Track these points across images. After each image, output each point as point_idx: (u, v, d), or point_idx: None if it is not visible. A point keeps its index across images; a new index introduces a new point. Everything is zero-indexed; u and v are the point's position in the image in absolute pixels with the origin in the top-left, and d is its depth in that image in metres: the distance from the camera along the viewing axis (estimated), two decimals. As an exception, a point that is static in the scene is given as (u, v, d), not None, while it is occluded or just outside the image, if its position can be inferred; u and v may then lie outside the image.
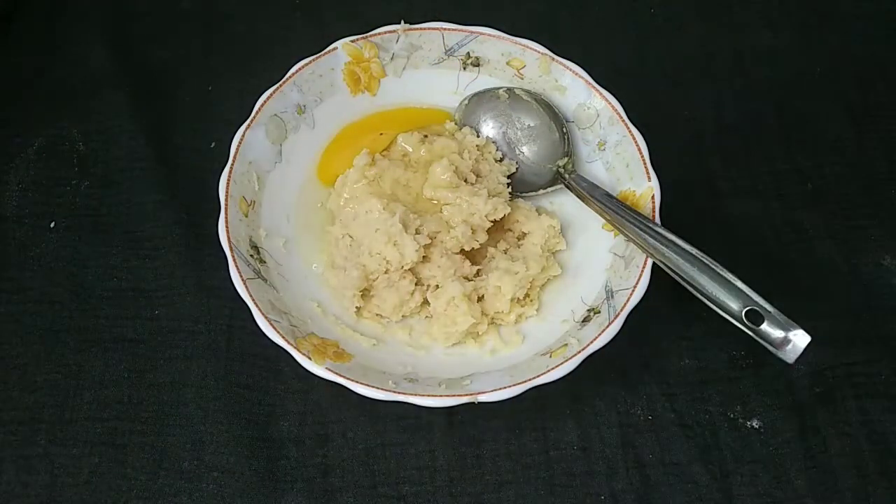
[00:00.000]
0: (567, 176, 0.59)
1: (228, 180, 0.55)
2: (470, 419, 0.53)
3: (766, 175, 0.65)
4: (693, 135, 0.67)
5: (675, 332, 0.58)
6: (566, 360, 0.50)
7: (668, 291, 0.56)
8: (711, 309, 0.50)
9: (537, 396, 0.54)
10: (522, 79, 0.62)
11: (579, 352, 0.50)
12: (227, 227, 0.53)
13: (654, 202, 0.55)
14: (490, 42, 0.62)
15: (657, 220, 0.55)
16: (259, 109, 0.58)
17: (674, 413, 0.55)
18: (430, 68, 0.63)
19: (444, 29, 0.62)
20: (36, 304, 0.58)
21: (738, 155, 0.66)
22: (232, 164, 0.55)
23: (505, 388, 0.50)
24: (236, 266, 0.52)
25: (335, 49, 0.60)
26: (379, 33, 0.61)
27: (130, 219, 0.62)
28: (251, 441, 0.53)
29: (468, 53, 0.62)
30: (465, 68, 0.63)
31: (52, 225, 0.61)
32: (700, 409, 0.55)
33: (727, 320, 0.50)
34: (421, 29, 0.62)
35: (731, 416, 0.55)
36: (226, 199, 0.54)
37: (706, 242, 0.52)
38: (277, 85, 0.58)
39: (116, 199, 0.62)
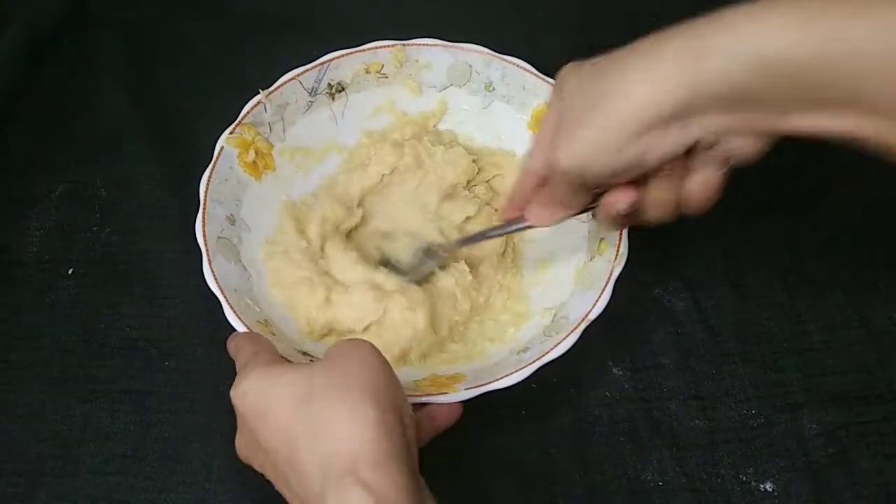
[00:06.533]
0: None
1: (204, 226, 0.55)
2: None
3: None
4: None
5: (684, 392, 0.56)
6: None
7: (675, 348, 0.55)
8: None
9: (544, 459, 0.52)
10: (387, 78, 0.62)
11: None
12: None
13: None
14: (340, 63, 0.62)
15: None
16: (204, 238, 0.54)
17: (685, 477, 0.53)
18: (304, 116, 0.62)
19: (298, 75, 0.61)
20: (47, 351, 0.57)
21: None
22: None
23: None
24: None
25: (222, 149, 0.59)
26: (247, 112, 0.60)
27: (149, 267, 0.61)
28: (253, 503, 0.51)
29: (329, 84, 0.62)
30: (333, 98, 0.63)
31: (69, 271, 0.61)
32: (711, 473, 0.53)
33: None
34: (279, 87, 0.61)
35: (744, 478, 0.53)
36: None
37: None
38: (201, 206, 0.56)
39: (136, 247, 0.62)
